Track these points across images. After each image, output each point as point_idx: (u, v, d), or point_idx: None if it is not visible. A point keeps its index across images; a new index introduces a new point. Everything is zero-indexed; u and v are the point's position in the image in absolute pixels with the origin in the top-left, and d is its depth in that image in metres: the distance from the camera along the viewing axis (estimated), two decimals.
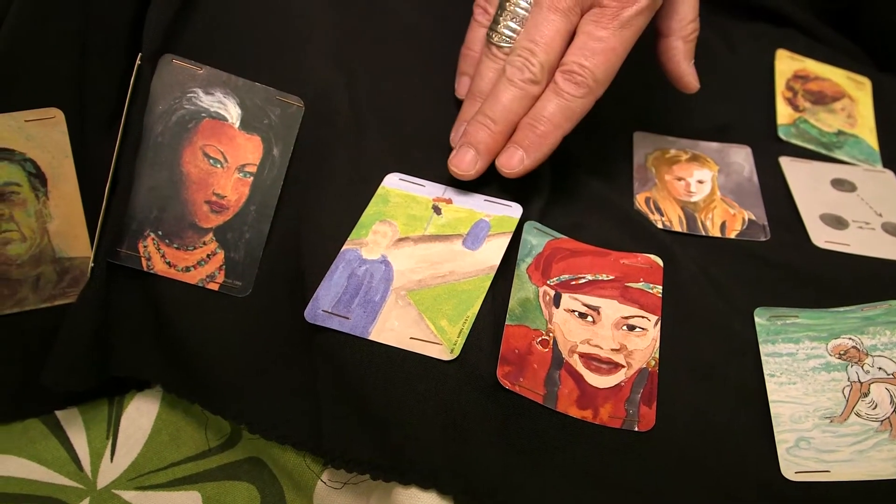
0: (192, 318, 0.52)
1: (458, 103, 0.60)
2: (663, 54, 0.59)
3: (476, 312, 0.49)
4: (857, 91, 0.72)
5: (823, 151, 0.67)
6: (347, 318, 0.49)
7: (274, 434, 0.51)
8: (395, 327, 0.48)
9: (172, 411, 0.57)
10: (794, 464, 0.46)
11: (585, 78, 0.53)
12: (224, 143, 0.54)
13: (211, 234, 0.53)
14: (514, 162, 0.53)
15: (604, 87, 0.54)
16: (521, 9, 0.56)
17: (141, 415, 0.57)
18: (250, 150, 0.54)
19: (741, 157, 0.66)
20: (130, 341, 0.54)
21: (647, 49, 0.58)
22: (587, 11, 0.53)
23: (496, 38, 0.57)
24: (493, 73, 0.57)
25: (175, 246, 0.53)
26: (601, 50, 0.53)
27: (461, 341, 0.48)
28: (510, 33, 0.56)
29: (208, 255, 0.53)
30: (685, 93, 0.60)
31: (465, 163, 0.54)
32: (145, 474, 0.54)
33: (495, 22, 0.57)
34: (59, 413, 0.56)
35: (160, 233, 0.53)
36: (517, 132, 0.54)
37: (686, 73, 0.59)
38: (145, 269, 0.52)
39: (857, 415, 0.48)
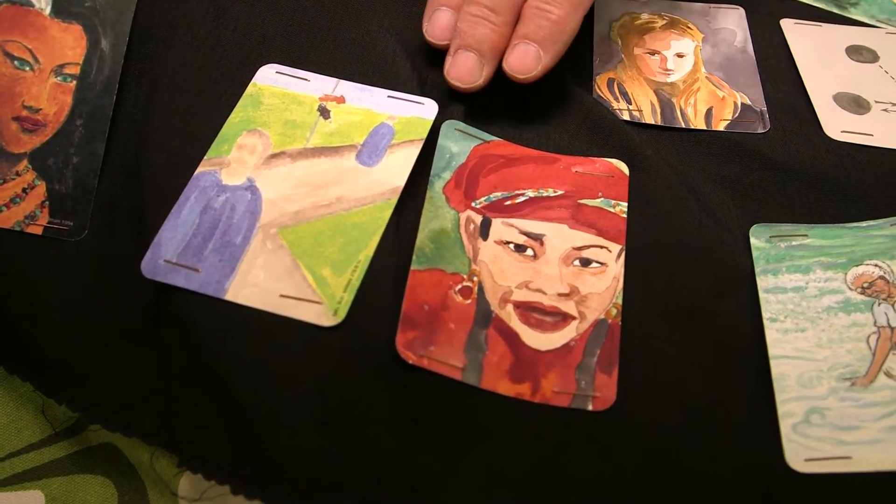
0: (11, 272, 0.41)
1: None
2: None
3: (371, 255, 0.38)
4: None
5: (836, 10, 0.58)
6: (197, 271, 0.37)
7: (116, 423, 0.39)
8: (259, 281, 0.36)
9: (11, 386, 0.45)
10: (804, 447, 0.34)
11: None
12: (32, 38, 0.43)
13: (25, 162, 0.42)
14: (529, 61, 0.44)
15: None
16: None
17: None
18: (69, 44, 0.43)
19: (732, 22, 0.55)
20: None
21: None
22: None
23: None
24: None
25: None
26: None
27: (349, 298, 0.37)
28: None
29: (24, 190, 0.42)
30: None
31: (466, 71, 0.44)
32: None
33: None
34: None
35: None
36: (524, 22, 0.44)
37: None
38: None
39: (888, 374, 0.36)
